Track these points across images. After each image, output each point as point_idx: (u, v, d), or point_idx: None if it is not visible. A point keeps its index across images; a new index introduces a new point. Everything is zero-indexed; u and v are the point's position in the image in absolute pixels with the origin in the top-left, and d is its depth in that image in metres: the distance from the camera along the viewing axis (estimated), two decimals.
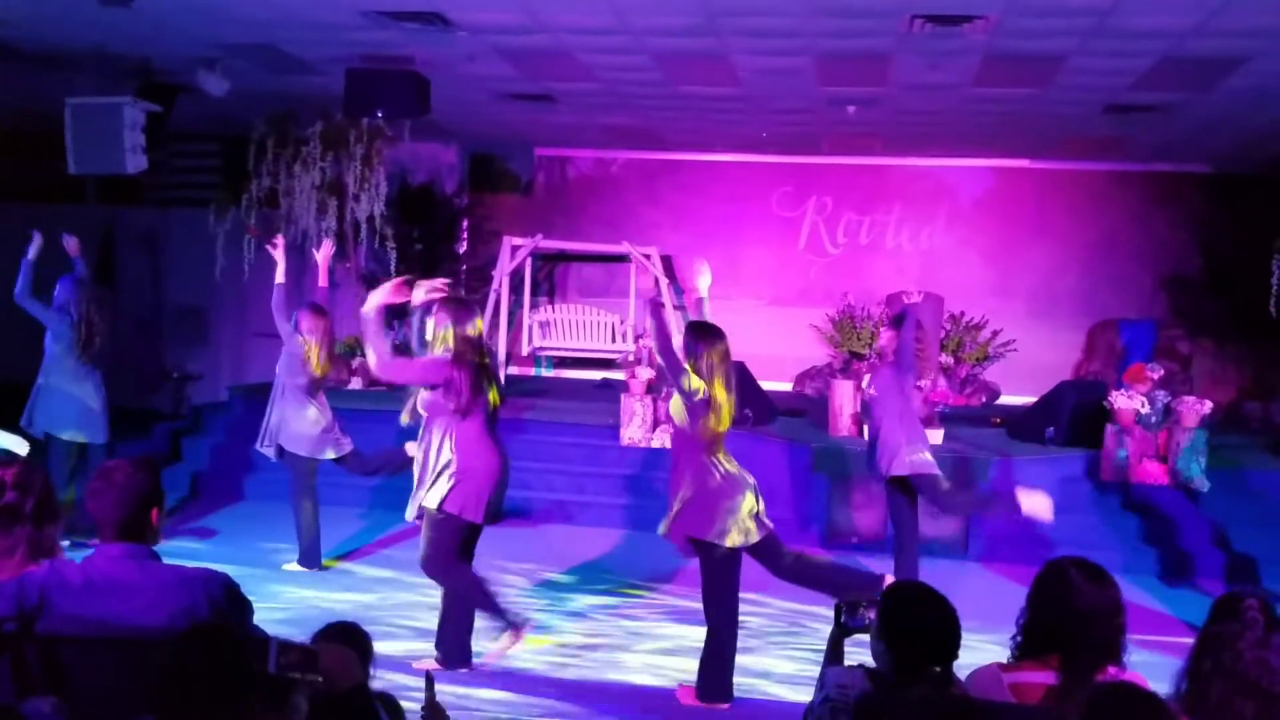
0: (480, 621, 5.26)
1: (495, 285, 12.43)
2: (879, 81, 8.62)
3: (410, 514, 5.26)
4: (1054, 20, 6.73)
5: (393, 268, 11.06)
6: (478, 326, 5.17)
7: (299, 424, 6.88)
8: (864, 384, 7.36)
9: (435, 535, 5.07)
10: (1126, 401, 8.40)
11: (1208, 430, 8.30)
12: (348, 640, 2.86)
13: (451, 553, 5.12)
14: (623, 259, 13.03)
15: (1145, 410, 8.42)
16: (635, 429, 9.11)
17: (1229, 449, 8.94)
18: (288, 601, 6.30)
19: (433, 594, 5.60)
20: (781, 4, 6.64)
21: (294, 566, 6.99)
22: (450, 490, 4.98)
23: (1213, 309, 12.23)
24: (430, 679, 2.64)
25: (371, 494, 8.63)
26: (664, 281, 12.82)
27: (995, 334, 12.43)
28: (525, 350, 12.88)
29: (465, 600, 5.23)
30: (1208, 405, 8.36)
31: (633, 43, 7.75)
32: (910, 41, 7.35)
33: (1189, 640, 2.67)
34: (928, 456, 6.37)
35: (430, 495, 5.02)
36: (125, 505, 2.81)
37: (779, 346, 12.87)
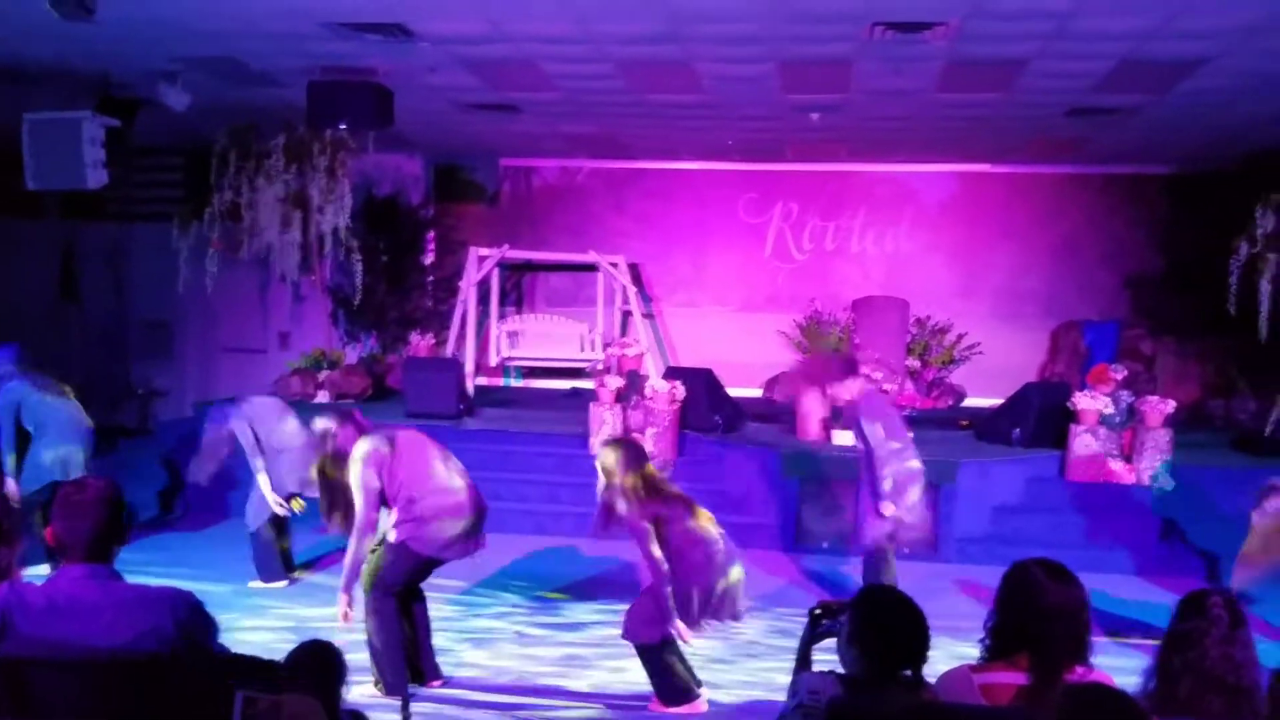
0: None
1: (462, 296, 12.39)
2: (842, 88, 8.66)
3: None
4: (1015, 25, 6.79)
5: (359, 280, 11.01)
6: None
7: None
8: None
9: None
10: (1090, 402, 8.49)
11: (1172, 429, 8.41)
12: (320, 661, 2.83)
13: None
14: (590, 268, 13.04)
15: (1109, 410, 8.51)
16: (605, 438, 9.08)
17: (1193, 447, 9.05)
18: (275, 618, 6.27)
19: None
20: (743, 11, 6.66)
21: (258, 583, 6.96)
22: None
23: (1175, 308, 12.38)
24: (406, 701, 2.62)
25: None
26: (631, 290, 12.84)
27: (961, 337, 12.53)
28: (494, 361, 12.84)
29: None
30: (1171, 405, 8.46)
31: (596, 51, 7.75)
32: (872, 48, 7.39)
33: (1155, 639, 2.70)
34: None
35: None
36: (92, 526, 2.77)
37: (747, 352, 12.92)
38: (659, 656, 4.90)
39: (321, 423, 5.15)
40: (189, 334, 13.25)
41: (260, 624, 6.08)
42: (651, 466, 5.05)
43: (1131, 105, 8.99)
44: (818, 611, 2.85)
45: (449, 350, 12.14)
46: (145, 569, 6.48)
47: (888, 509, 6.10)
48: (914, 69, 7.98)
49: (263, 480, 6.84)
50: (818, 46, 7.45)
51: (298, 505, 6.97)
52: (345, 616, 4.89)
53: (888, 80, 8.33)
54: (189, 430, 10.04)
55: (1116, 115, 9.39)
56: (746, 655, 5.91)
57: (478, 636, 6.11)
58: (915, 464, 6.29)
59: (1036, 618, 2.64)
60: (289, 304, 12.75)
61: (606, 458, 4.93)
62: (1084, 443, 8.45)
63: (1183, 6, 6.25)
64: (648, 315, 13.45)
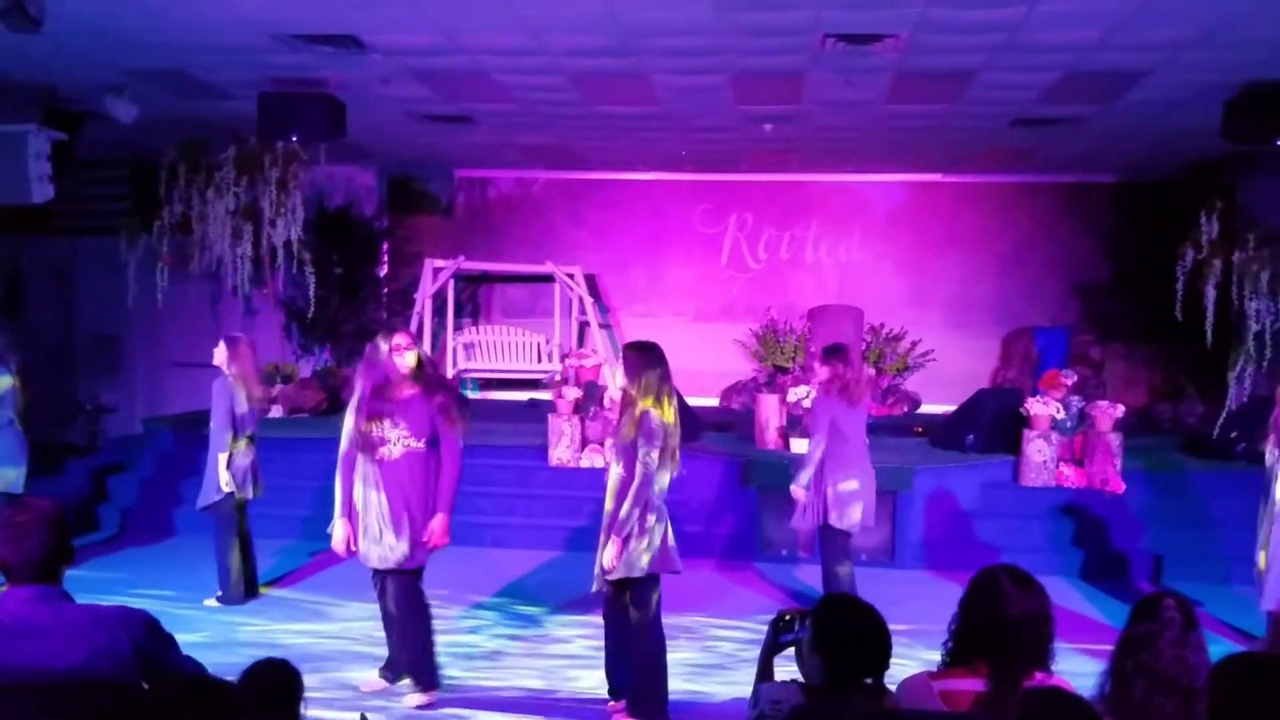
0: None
1: (418, 308, 12.33)
2: (794, 99, 8.73)
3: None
4: (963, 37, 6.88)
5: (312, 292, 10.90)
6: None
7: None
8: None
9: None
10: (1042, 408, 8.61)
11: (1121, 433, 8.55)
12: (275, 679, 2.79)
13: None
14: (546, 279, 13.02)
15: (1060, 416, 8.64)
16: (563, 449, 9.07)
17: (1143, 451, 9.20)
18: (223, 635, 6.20)
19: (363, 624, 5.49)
20: (695, 24, 6.69)
21: (213, 602, 6.87)
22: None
23: (1122, 314, 12.61)
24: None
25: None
26: (588, 301, 12.83)
27: (914, 344, 12.66)
28: (450, 373, 12.76)
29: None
30: (1120, 409, 8.60)
31: (549, 63, 7.75)
32: (823, 60, 7.46)
33: (1105, 641, 2.74)
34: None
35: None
36: (41, 547, 2.73)
37: (704, 362, 12.95)
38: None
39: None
40: (138, 349, 13.04)
41: (220, 640, 6.01)
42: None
43: (1077, 116, 9.14)
44: (780, 621, 2.86)
45: None
46: (99, 589, 6.39)
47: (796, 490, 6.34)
48: (865, 80, 8.06)
49: (222, 458, 6.76)
50: (770, 59, 7.51)
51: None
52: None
53: (839, 91, 8.41)
54: (149, 449, 9.94)
55: (1063, 125, 9.55)
56: (720, 666, 5.92)
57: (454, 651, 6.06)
58: (853, 484, 6.29)
59: (1000, 624, 2.67)
60: (240, 318, 12.58)
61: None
62: (1037, 448, 8.56)
63: (1125, 20, 6.37)
64: (605, 326, 13.45)
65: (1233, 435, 9.09)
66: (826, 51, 7.21)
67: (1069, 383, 9.13)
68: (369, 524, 5.07)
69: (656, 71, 7.97)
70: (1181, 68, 7.37)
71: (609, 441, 5.03)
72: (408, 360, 5.08)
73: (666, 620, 5.12)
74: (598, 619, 5.87)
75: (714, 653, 6.03)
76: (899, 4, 6.22)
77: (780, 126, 9.90)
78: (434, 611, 5.33)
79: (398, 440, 5.02)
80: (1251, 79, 7.60)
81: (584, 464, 9.01)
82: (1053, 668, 2.71)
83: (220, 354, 6.89)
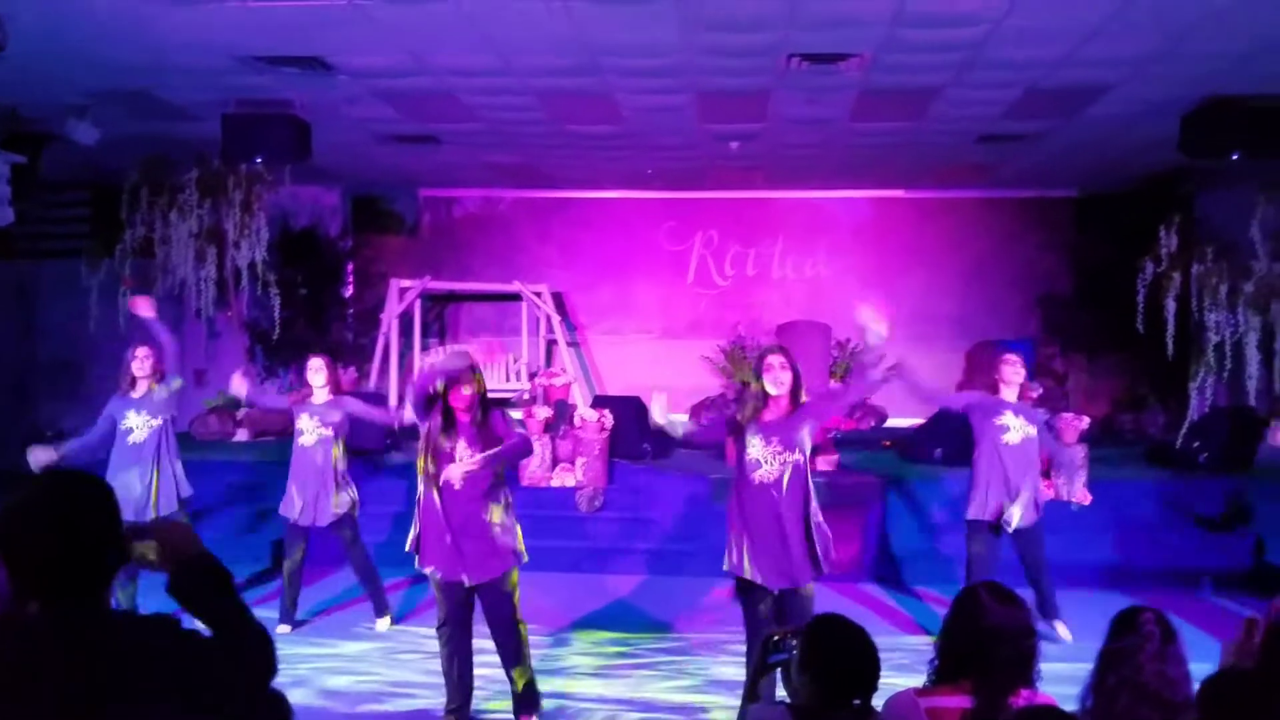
0: None
1: (384, 328, 12.25)
2: (759, 117, 8.80)
3: None
4: (926, 56, 6.97)
5: (277, 314, 10.81)
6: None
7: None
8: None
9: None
10: None
11: (1087, 444, 8.64)
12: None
13: None
14: (514, 297, 13.00)
15: None
16: (535, 468, 9.04)
17: (1107, 461, 9.30)
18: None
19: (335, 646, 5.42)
20: (662, 44, 6.73)
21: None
22: None
23: (1084, 326, 12.76)
24: None
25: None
26: (556, 319, 12.82)
27: (880, 359, 12.70)
28: None
29: None
30: (1085, 421, 8.69)
31: (516, 83, 7.76)
32: (788, 79, 7.52)
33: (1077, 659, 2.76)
34: None
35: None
36: None
37: (672, 379, 12.93)
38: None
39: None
40: (100, 373, 12.83)
41: None
42: None
43: (1039, 131, 9.28)
44: (769, 641, 2.85)
45: (372, 384, 11.98)
46: None
47: None
48: (829, 99, 8.14)
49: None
50: (735, 78, 7.56)
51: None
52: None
53: (803, 110, 8.49)
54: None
55: (1024, 141, 9.69)
56: (697, 690, 5.90)
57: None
58: None
59: (981, 639, 2.69)
60: (204, 340, 12.44)
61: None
62: None
63: (1084, 37, 6.48)
64: (573, 344, 13.44)
65: (1195, 445, 9.22)
66: (791, 71, 7.27)
67: (1034, 396, 9.20)
68: None
69: (623, 91, 8.01)
70: (1140, 83, 7.51)
71: (759, 443, 4.86)
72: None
73: (642, 641, 5.10)
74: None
75: (694, 676, 6.00)
76: (863, 23, 6.29)
77: (746, 144, 9.97)
78: (412, 637, 5.27)
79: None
80: (1208, 94, 7.75)
81: (555, 483, 8.99)
82: (1038, 684, 2.72)
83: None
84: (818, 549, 4.75)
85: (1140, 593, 7.44)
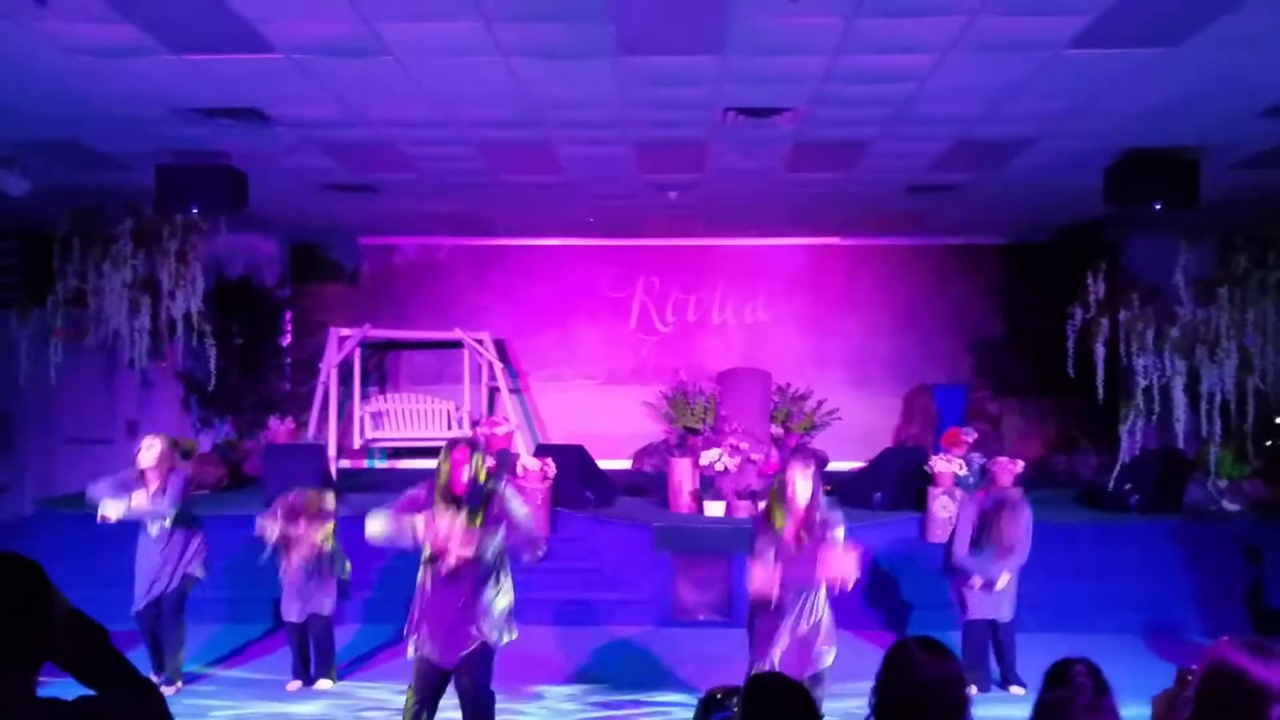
0: None
1: (323, 377, 12.14)
2: (696, 168, 8.92)
3: None
4: (857, 110, 7.13)
5: (212, 364, 10.65)
6: None
7: None
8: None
9: None
10: (945, 465, 8.83)
11: (1022, 488, 8.78)
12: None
13: None
14: (455, 345, 12.95)
15: (963, 472, 8.86)
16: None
17: (1041, 503, 9.45)
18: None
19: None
20: (600, 98, 6.82)
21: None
22: None
23: (1016, 370, 13.02)
24: None
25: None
26: (498, 366, 12.79)
27: (820, 404, 12.87)
28: (357, 443, 12.55)
29: None
30: (1020, 465, 8.84)
31: (455, 134, 7.80)
32: (724, 131, 7.65)
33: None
34: None
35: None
36: None
37: (615, 425, 13.00)
38: None
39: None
40: (29, 425, 12.55)
41: None
42: None
43: (965, 182, 9.50)
44: (710, 699, 2.86)
45: (310, 434, 11.84)
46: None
47: None
48: (764, 150, 8.28)
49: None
50: (672, 130, 7.67)
51: None
52: None
53: (739, 161, 8.62)
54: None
55: (953, 191, 9.91)
56: None
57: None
58: None
59: (913, 691, 2.73)
60: (137, 391, 12.23)
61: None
62: (942, 504, 8.76)
63: (1007, 93, 6.68)
64: (515, 391, 13.41)
65: (1127, 487, 9.42)
66: (727, 124, 7.40)
67: (970, 440, 9.39)
68: None
69: (562, 142, 8.08)
70: (1062, 137, 7.74)
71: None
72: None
73: (584, 693, 5.07)
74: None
75: None
76: (796, 79, 6.43)
77: (684, 194, 10.09)
78: (356, 689, 5.20)
79: None
80: (1128, 146, 8.00)
81: None
82: None
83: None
84: None
85: (1070, 633, 7.57)
